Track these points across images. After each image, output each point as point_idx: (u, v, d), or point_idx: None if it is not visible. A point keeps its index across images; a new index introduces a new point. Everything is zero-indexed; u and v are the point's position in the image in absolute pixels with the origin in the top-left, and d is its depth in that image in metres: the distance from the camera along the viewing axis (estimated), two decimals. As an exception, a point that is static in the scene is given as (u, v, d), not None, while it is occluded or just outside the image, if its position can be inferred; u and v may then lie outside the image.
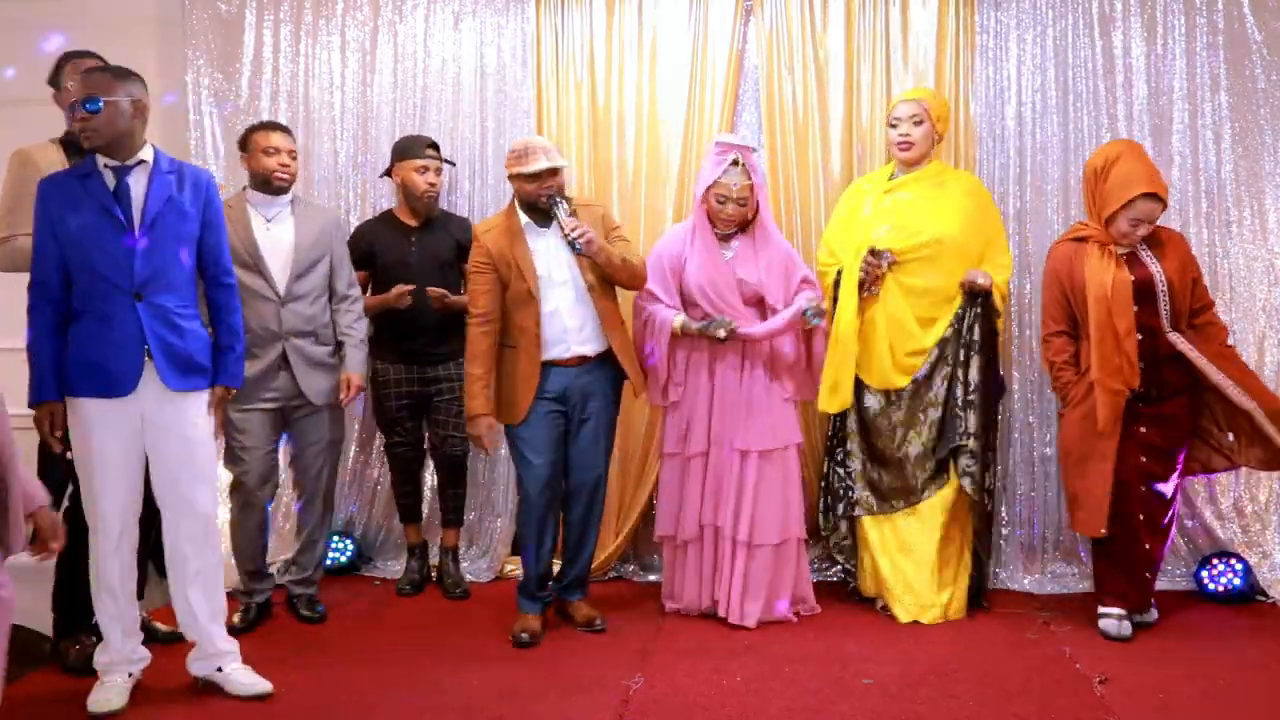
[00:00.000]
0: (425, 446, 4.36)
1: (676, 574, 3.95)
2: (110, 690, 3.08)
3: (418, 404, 4.23)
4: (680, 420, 3.87)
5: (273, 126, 3.89)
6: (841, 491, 4.03)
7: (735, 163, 3.75)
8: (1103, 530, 3.61)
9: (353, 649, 3.54)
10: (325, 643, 3.57)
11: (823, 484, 4.12)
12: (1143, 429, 3.62)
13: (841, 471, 4.02)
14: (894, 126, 3.97)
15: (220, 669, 3.21)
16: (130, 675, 3.14)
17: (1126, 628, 3.63)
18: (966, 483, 3.81)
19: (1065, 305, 3.73)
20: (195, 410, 3.13)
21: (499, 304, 3.67)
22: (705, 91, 4.40)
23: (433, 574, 4.38)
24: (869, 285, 3.89)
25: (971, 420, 3.80)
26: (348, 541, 4.51)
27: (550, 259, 3.68)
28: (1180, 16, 4.27)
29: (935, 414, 3.87)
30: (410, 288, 4.03)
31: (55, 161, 3.34)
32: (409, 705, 3.10)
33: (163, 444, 3.08)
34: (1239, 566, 4.04)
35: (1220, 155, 4.26)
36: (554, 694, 3.16)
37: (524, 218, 3.70)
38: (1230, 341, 4.18)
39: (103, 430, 3.03)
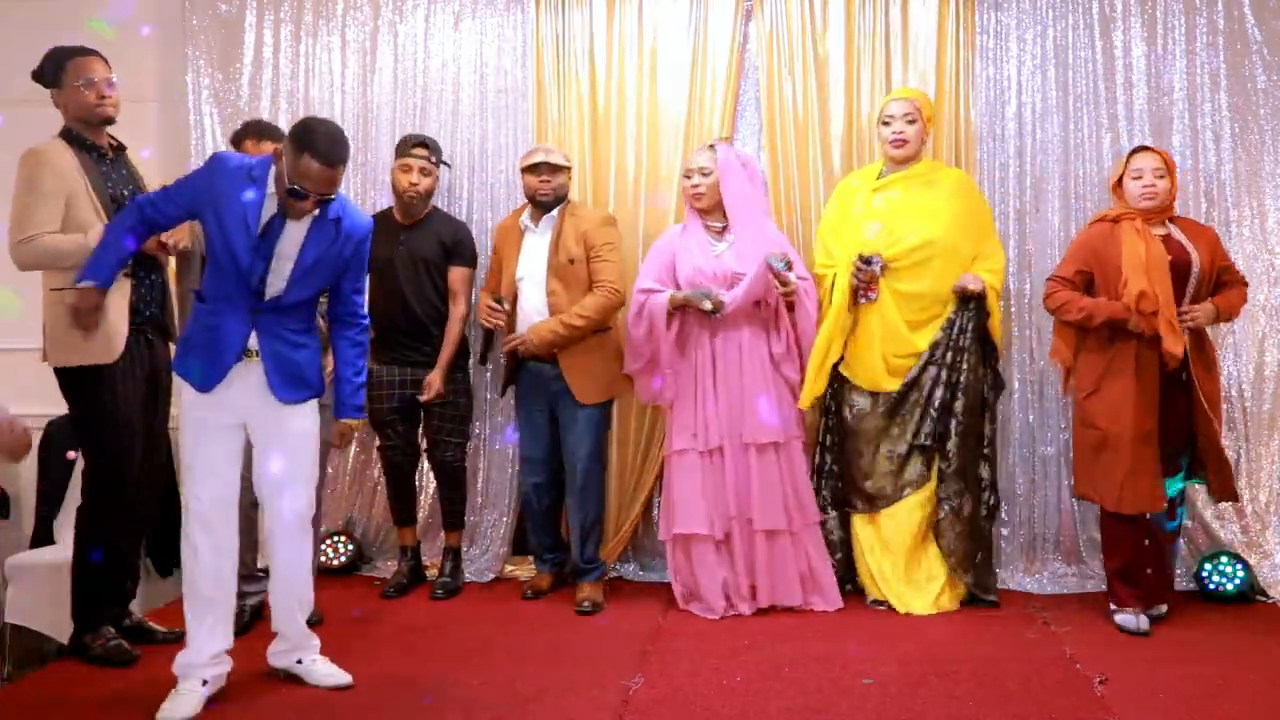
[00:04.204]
0: (419, 449, 4.33)
1: (700, 575, 3.93)
2: (188, 699, 2.99)
3: (410, 406, 4.21)
4: (687, 417, 3.93)
5: (250, 131, 3.86)
6: (834, 487, 4.08)
7: (710, 147, 4.02)
8: (1163, 504, 3.64)
9: (352, 649, 3.54)
10: (325, 643, 3.56)
11: (813, 479, 4.12)
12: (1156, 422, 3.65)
13: (835, 469, 4.07)
14: (886, 124, 3.99)
15: (300, 661, 3.25)
16: (205, 682, 3.05)
17: (1145, 621, 3.67)
18: (945, 509, 3.90)
19: (1085, 272, 3.75)
20: (300, 421, 3.15)
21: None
22: (705, 92, 4.41)
23: (427, 574, 4.38)
24: (864, 292, 3.91)
25: (952, 422, 3.88)
26: (348, 541, 4.52)
27: (532, 259, 4.06)
28: (1180, 16, 4.27)
29: (919, 413, 3.92)
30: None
31: (68, 158, 3.33)
32: (409, 705, 3.10)
33: (266, 446, 3.12)
34: (1239, 566, 4.04)
35: (1220, 155, 4.26)
36: (554, 694, 3.16)
37: (525, 216, 4.11)
38: (1230, 342, 4.19)
39: (200, 420, 3.06)
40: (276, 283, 3.04)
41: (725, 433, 3.89)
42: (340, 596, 4.15)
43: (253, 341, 3.06)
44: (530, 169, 4.04)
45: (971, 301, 3.87)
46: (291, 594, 3.23)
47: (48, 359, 3.36)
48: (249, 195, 2.98)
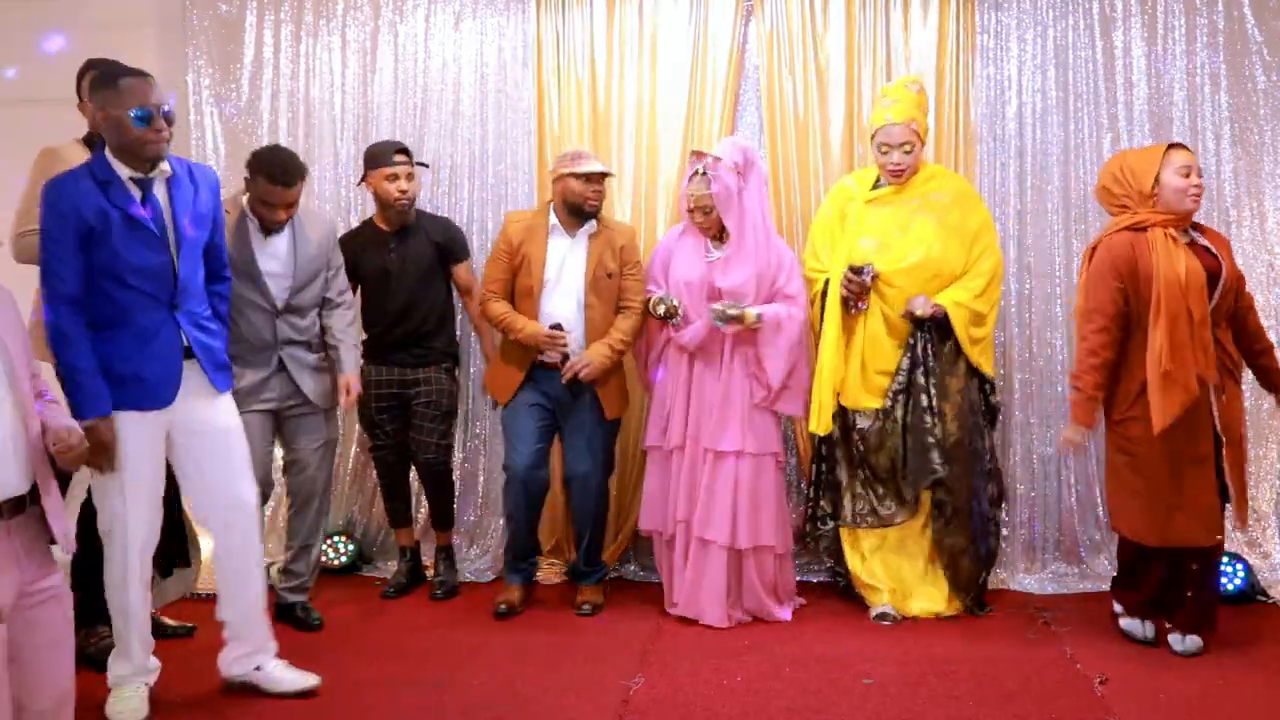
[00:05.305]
0: (409, 450, 4.29)
1: (664, 573, 3.99)
2: (133, 700, 3.01)
3: (398, 406, 4.18)
4: (661, 413, 3.94)
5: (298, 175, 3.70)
6: (834, 500, 3.96)
7: (701, 173, 3.82)
8: (1220, 535, 3.41)
9: (353, 649, 3.54)
10: (325, 643, 3.58)
11: (810, 492, 4.06)
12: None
13: (831, 479, 3.96)
14: (884, 153, 3.84)
15: (259, 667, 3.18)
16: (146, 685, 3.06)
17: (1150, 628, 3.56)
18: (935, 517, 3.83)
19: (1119, 302, 3.40)
20: (229, 418, 3.13)
21: (509, 288, 3.96)
22: (705, 92, 4.41)
23: (426, 574, 4.37)
24: (854, 302, 3.83)
25: (942, 452, 3.76)
26: (348, 541, 4.51)
27: (563, 264, 3.92)
28: (1180, 16, 4.27)
29: (899, 438, 3.82)
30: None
31: (83, 160, 3.32)
32: (409, 705, 3.10)
33: (202, 446, 3.06)
34: (1239, 566, 4.03)
35: (1220, 155, 4.26)
36: (554, 694, 3.16)
37: (553, 218, 3.94)
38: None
39: (135, 444, 2.95)
40: (178, 263, 2.97)
41: (689, 434, 3.84)
42: (340, 596, 4.16)
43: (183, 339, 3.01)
44: (584, 177, 3.86)
45: (928, 324, 3.77)
46: (256, 593, 3.16)
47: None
48: (102, 181, 2.87)
